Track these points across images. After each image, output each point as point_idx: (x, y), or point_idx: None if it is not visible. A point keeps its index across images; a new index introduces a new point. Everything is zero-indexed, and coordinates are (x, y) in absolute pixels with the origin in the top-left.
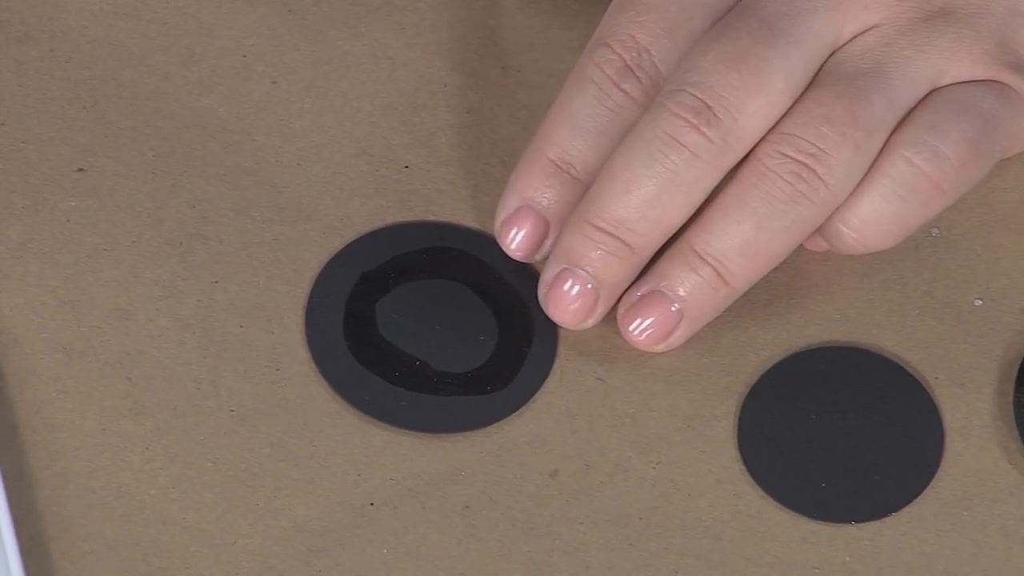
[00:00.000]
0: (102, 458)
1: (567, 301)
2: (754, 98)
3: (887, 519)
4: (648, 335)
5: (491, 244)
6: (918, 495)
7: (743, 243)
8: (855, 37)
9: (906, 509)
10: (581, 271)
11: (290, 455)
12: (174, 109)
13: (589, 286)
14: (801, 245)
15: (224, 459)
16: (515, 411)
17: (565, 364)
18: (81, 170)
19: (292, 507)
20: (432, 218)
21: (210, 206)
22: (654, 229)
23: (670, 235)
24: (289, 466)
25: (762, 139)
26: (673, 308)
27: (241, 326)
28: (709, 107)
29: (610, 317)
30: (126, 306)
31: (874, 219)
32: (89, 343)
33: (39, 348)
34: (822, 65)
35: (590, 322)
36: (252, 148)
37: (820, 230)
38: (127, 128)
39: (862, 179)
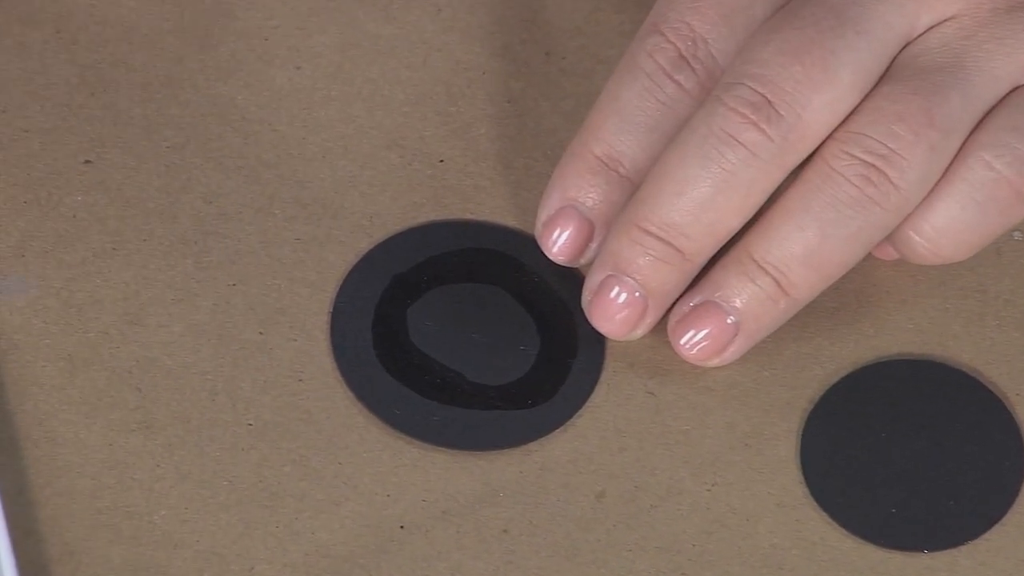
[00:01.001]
0: (109, 475)
1: (613, 310)
2: (819, 93)
3: (963, 548)
4: (701, 349)
5: (532, 246)
6: (997, 522)
7: (806, 251)
8: (931, 28)
9: (984, 537)
10: (628, 278)
11: (313, 473)
12: (189, 96)
13: (637, 294)
14: (869, 253)
15: (241, 477)
16: (558, 427)
17: (612, 376)
18: (88, 162)
19: (314, 530)
20: (469, 217)
21: (228, 202)
22: (708, 234)
23: (725, 241)
24: (312, 485)
25: (828, 138)
26: (728, 320)
27: (261, 333)
28: (770, 102)
29: (661, 326)
30: (136, 310)
31: (949, 227)
32: (95, 350)
33: (41, 355)
34: (894, 58)
35: (638, 332)
36: (273, 139)
37: (890, 238)
38: (138, 117)
39: (937, 183)
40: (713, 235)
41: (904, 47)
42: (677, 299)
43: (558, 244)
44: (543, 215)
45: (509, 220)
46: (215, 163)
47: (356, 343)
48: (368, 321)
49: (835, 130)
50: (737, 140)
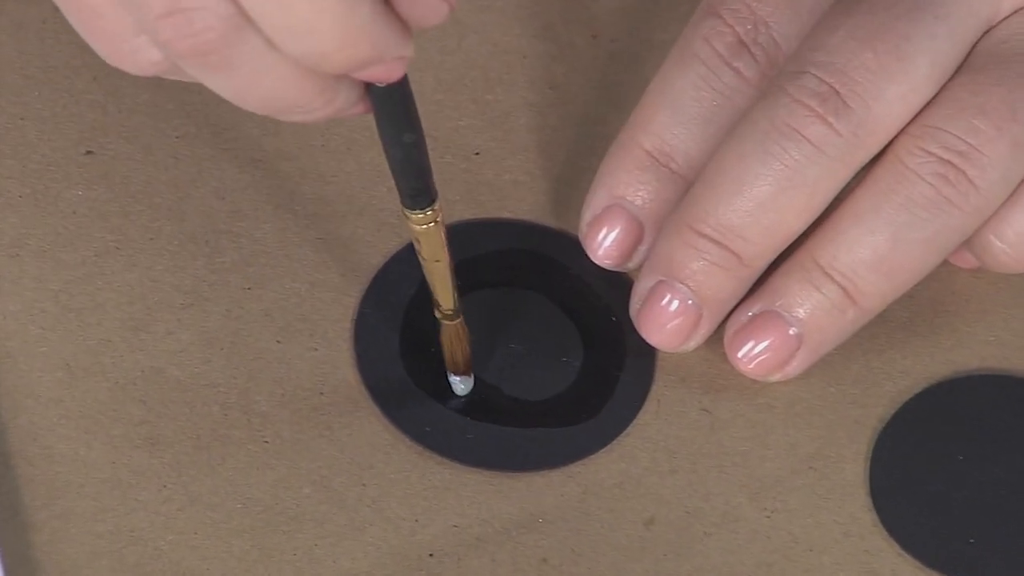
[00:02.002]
0: (111, 496)
1: (664, 319)
2: (892, 83)
3: None
4: (761, 362)
5: (575, 248)
6: None
7: (876, 257)
8: (1015, 12)
9: None
10: (681, 284)
11: (335, 496)
12: None
13: (690, 302)
14: (946, 260)
15: (256, 500)
16: (603, 447)
17: (663, 392)
18: (89, 153)
19: (336, 558)
20: (506, 216)
21: (243, 197)
22: (768, 237)
23: (786, 245)
24: (333, 509)
25: (901, 133)
26: (791, 332)
27: (278, 341)
28: (838, 93)
29: (716, 337)
30: (141, 315)
31: None
32: (97, 359)
33: (37, 364)
34: (974, 45)
35: (691, 344)
36: (293, 129)
37: (969, 243)
38: (144, 103)
39: (1021, 183)
40: (773, 238)
41: (985, 33)
42: (734, 308)
43: (604, 246)
44: (588, 214)
45: (550, 219)
46: (229, 155)
47: (382, 353)
48: (396, 330)
49: (909, 124)
50: (801, 134)
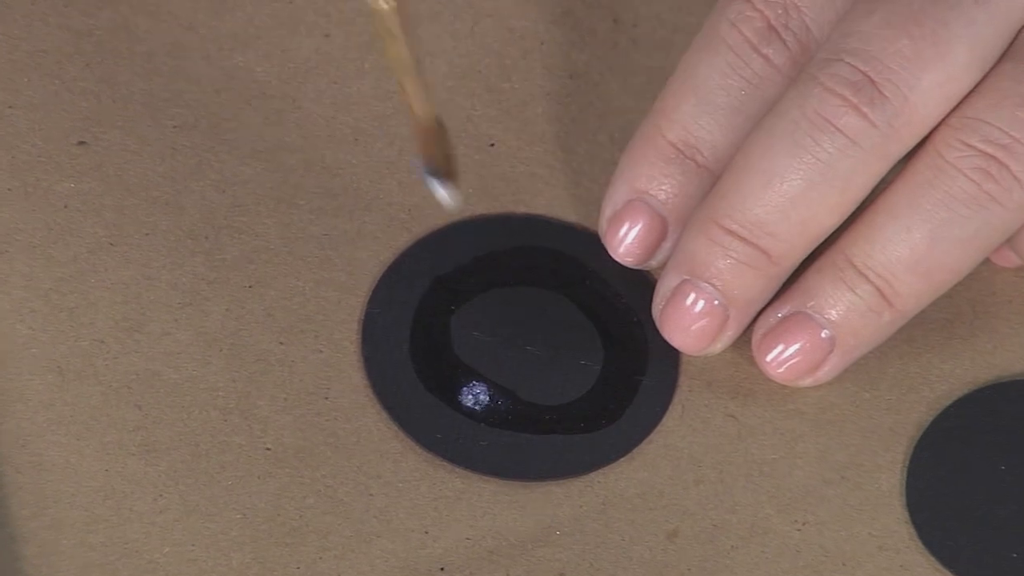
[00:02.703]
0: (104, 506)
1: (688, 320)
2: (930, 71)
3: None
4: (791, 367)
5: (595, 245)
6: None
7: (913, 256)
8: None
9: None
10: (706, 284)
11: (340, 506)
12: (200, 69)
13: (716, 302)
14: (987, 259)
15: (257, 510)
16: (624, 455)
17: (687, 397)
18: (82, 143)
19: (341, 571)
20: (523, 210)
21: (244, 191)
22: (799, 234)
23: (818, 243)
24: (338, 520)
25: (940, 124)
26: (823, 334)
27: (281, 343)
28: (873, 82)
29: (744, 339)
30: (136, 315)
31: None
32: (90, 361)
33: (27, 367)
34: (1018, 32)
35: (717, 347)
36: (298, 118)
37: (1011, 241)
38: (140, 92)
39: None
40: (804, 235)
41: None
42: (763, 309)
43: (625, 243)
44: (609, 209)
45: (569, 214)
46: (229, 146)
47: (391, 356)
48: (405, 330)
49: (948, 115)
50: (834, 126)
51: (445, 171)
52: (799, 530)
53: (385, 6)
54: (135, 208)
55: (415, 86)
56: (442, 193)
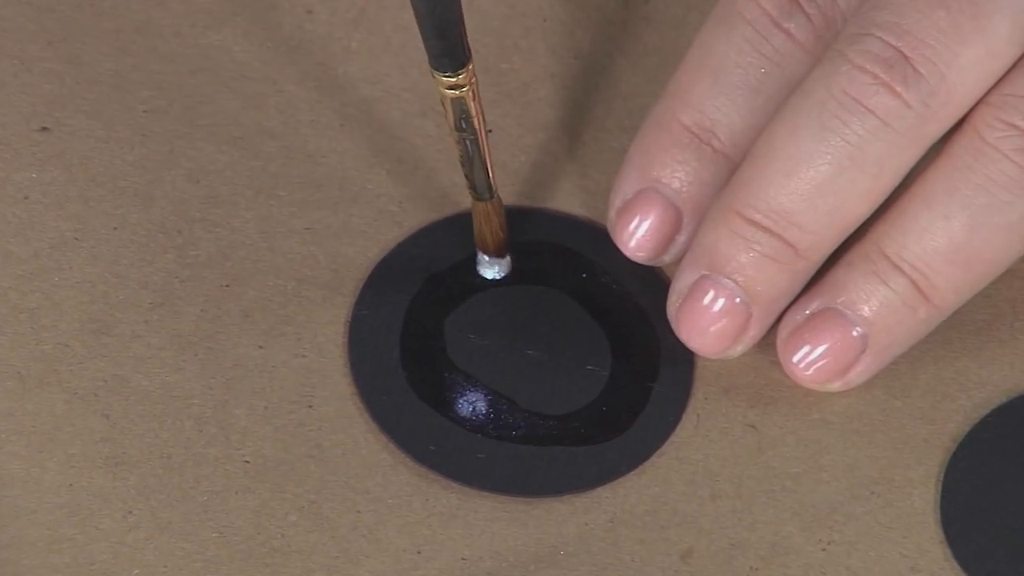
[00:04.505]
0: (69, 524)
1: (707, 320)
2: (968, 46)
3: None
4: (819, 369)
5: (603, 239)
6: None
7: (952, 246)
8: None
9: None
10: (727, 280)
11: (326, 524)
12: (173, 48)
13: (738, 300)
14: None
15: (235, 528)
16: (634, 468)
17: (703, 405)
18: (45, 129)
19: None
20: (524, 203)
21: (220, 181)
22: (827, 224)
23: (848, 233)
24: (323, 539)
25: (979, 103)
26: (854, 332)
27: (261, 347)
28: (906, 58)
29: (767, 341)
30: (104, 316)
31: None
32: (53, 366)
33: None
34: None
35: (738, 349)
36: (278, 103)
37: None
38: (107, 73)
39: None
40: (833, 226)
41: None
42: (788, 307)
43: (637, 236)
44: (618, 200)
45: (574, 207)
46: (204, 132)
47: (380, 361)
48: (396, 333)
49: (988, 94)
50: (864, 106)
51: (496, 250)
52: (824, 550)
53: (454, 92)
54: (102, 200)
55: (477, 167)
56: (485, 266)
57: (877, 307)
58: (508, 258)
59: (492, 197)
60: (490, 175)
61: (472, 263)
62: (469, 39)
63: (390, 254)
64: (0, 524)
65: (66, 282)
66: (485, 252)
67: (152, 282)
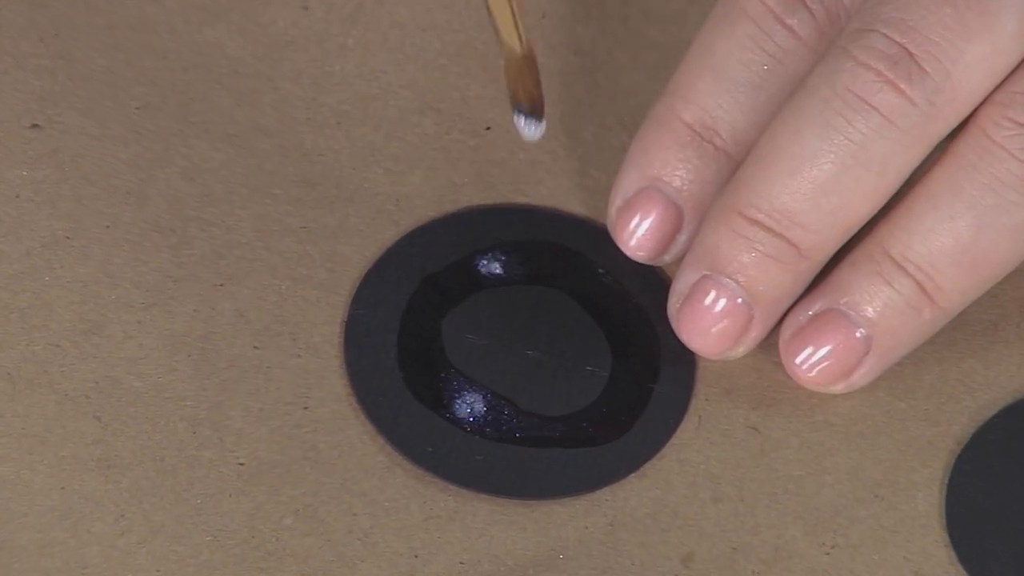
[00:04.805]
0: (60, 527)
1: (708, 320)
2: (974, 43)
3: None
4: (822, 370)
5: (603, 238)
6: None
7: (957, 246)
8: None
9: None
10: (729, 280)
11: (322, 527)
12: (167, 44)
13: (739, 300)
14: None
15: (229, 531)
16: (634, 471)
17: (704, 407)
18: (36, 126)
19: None
20: (521, 201)
21: (214, 179)
22: (831, 224)
23: (852, 233)
24: (319, 542)
25: (985, 102)
26: (858, 334)
27: (256, 347)
28: (911, 55)
29: (769, 341)
30: (96, 316)
31: None
32: (44, 368)
33: None
34: None
35: (740, 350)
36: (274, 99)
37: None
38: (100, 69)
39: None
40: (837, 225)
41: None
42: (791, 307)
43: (637, 235)
44: (618, 198)
45: (574, 205)
46: (199, 129)
47: (377, 361)
48: (392, 333)
49: (994, 91)
50: (868, 104)
51: (531, 107)
52: (828, 554)
53: None
54: (94, 198)
55: (507, 13)
56: (525, 128)
57: (881, 308)
58: (544, 121)
59: (521, 47)
60: (516, 22)
61: (472, 263)
62: (467, 37)
63: (387, 253)
64: None
65: (57, 282)
66: (521, 112)
67: (145, 281)
